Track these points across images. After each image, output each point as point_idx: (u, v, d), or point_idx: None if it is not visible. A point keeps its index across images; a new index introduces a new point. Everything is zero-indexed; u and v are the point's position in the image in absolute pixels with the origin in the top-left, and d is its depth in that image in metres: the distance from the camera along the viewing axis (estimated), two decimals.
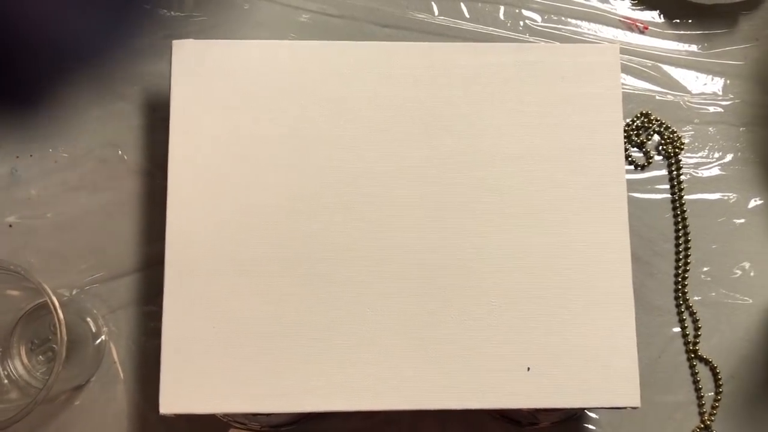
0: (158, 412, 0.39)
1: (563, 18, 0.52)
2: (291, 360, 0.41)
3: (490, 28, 0.51)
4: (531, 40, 0.51)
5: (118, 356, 0.47)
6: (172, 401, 0.40)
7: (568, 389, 0.41)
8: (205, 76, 0.43)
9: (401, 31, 0.51)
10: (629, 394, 0.41)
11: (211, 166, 0.42)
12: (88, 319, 0.46)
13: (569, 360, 0.41)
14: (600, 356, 0.42)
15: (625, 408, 0.41)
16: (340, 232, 0.42)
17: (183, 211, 0.42)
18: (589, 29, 0.52)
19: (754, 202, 0.51)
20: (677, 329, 0.49)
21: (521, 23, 0.52)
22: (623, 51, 0.51)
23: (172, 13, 0.50)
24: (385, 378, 0.41)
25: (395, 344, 0.41)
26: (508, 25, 0.51)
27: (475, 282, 0.42)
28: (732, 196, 0.50)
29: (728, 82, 0.52)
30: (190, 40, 0.43)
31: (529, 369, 0.41)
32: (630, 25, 0.52)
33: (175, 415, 0.40)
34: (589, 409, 0.47)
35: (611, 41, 0.52)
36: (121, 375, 0.47)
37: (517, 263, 0.42)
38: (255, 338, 0.41)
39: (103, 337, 0.47)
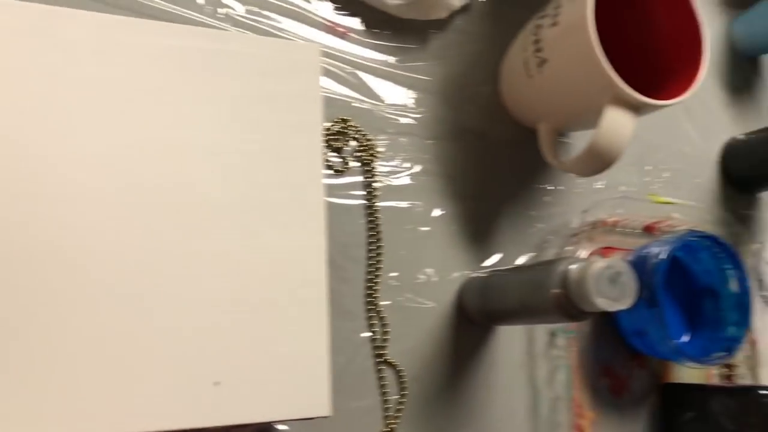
0: None
1: (265, 12, 0.51)
2: None
3: (186, 11, 0.48)
4: (230, 29, 0.49)
5: None
6: None
7: (259, 403, 0.40)
8: None
9: None
10: (320, 404, 0.42)
11: None
12: None
13: (260, 371, 0.40)
14: (292, 365, 0.41)
15: (315, 418, 0.41)
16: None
17: None
18: (290, 27, 0.52)
19: (437, 212, 0.55)
20: (367, 334, 0.51)
21: (221, 11, 0.50)
22: (324, 54, 0.52)
23: None
24: (52, 405, 0.35)
25: (62, 364, 0.36)
26: (207, 11, 0.49)
27: (157, 289, 0.39)
28: (419, 205, 0.54)
29: (419, 95, 0.56)
30: None
31: (216, 384, 0.39)
32: (332, 29, 0.53)
33: None
34: (280, 422, 0.47)
35: (313, 42, 0.52)
36: None
37: (205, 268, 0.40)
38: None
39: None
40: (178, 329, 0.39)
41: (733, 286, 0.60)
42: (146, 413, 0.37)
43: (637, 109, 0.48)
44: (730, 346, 0.59)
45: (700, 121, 0.70)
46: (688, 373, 0.63)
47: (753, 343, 0.65)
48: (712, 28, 0.51)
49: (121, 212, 0.39)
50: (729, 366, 0.64)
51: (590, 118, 0.49)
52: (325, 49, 0.53)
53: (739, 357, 0.64)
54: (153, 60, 0.41)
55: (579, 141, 0.62)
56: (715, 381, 0.64)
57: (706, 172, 0.70)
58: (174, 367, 0.38)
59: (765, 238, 0.71)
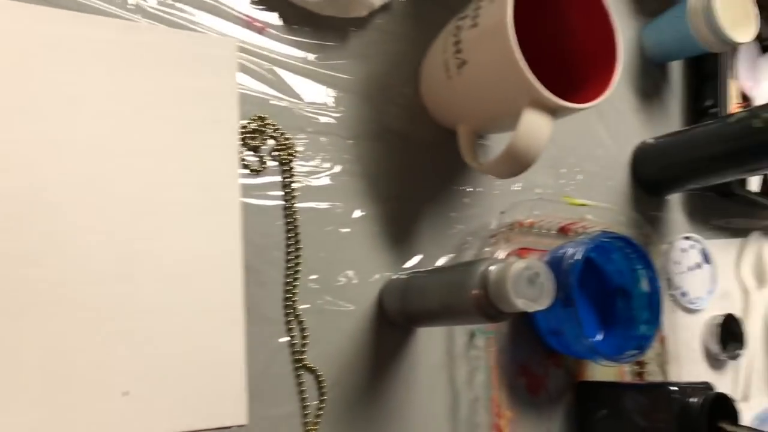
0: None
1: (179, 5, 0.49)
2: None
3: (94, 0, 0.46)
4: (141, 21, 0.47)
5: None
6: None
7: (171, 413, 0.39)
8: None
9: None
10: (236, 412, 0.40)
11: None
12: None
13: (172, 380, 0.39)
14: (207, 373, 0.40)
15: (231, 427, 0.40)
16: None
17: None
18: (205, 21, 0.50)
19: (358, 213, 0.54)
20: (285, 339, 0.50)
21: (131, 2, 0.47)
22: (241, 50, 0.51)
23: None
24: None
25: None
26: (116, 1, 0.47)
27: (63, 294, 0.37)
28: (339, 206, 0.54)
29: (339, 94, 0.55)
30: None
31: (125, 394, 0.37)
32: (249, 24, 0.52)
33: None
34: None
35: (229, 36, 0.51)
36: None
37: (115, 272, 0.38)
38: None
39: None
40: (84, 336, 0.37)
41: (644, 285, 0.63)
42: (48, 424, 0.35)
43: (554, 112, 0.49)
44: (642, 344, 0.61)
45: (612, 125, 0.73)
46: (602, 371, 0.65)
47: (662, 341, 0.67)
48: (623, 34, 0.52)
49: (20, 210, 0.36)
50: (640, 363, 0.67)
51: (509, 120, 0.49)
52: (242, 44, 0.51)
53: (650, 354, 0.66)
54: (59, 51, 0.38)
55: (498, 143, 0.62)
56: (628, 378, 0.66)
57: (618, 175, 0.73)
58: (80, 375, 0.36)
59: (673, 239, 0.74)
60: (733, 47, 0.77)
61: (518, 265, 0.42)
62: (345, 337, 0.52)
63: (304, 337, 0.50)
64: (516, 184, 0.64)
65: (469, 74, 0.52)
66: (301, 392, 0.50)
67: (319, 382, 0.50)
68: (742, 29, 0.70)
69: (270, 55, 0.53)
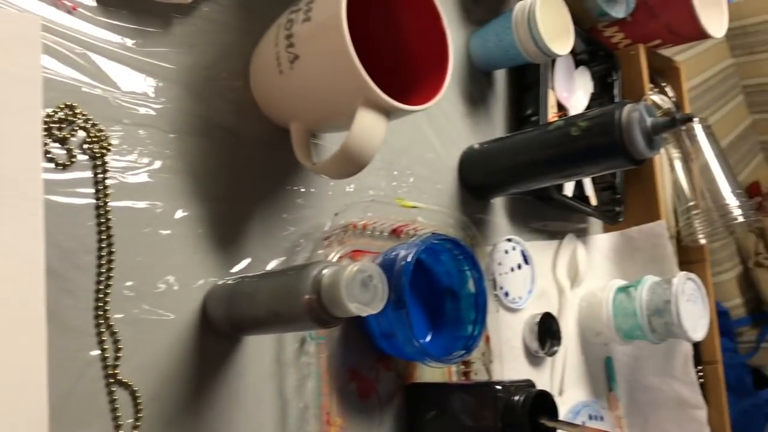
0: None
1: None
2: None
3: None
4: None
5: None
6: None
7: None
8: None
9: None
10: None
11: None
12: None
13: None
14: (2, 395, 0.35)
15: None
16: None
17: None
18: None
19: (180, 213, 0.51)
20: (96, 352, 0.45)
21: None
22: (47, 30, 0.46)
23: None
24: None
25: None
26: None
27: None
28: (159, 206, 0.50)
29: (160, 84, 0.52)
30: None
31: None
32: (56, 2, 0.47)
33: None
34: None
35: (31, 13, 0.45)
36: None
37: None
38: None
39: None
40: None
41: (471, 286, 0.64)
42: None
43: (388, 113, 0.48)
44: (469, 343, 0.62)
45: (441, 129, 0.74)
46: (431, 372, 0.66)
47: (487, 340, 0.69)
48: (452, 41, 0.53)
49: None
50: (466, 363, 0.68)
51: (343, 119, 0.48)
52: (48, 24, 0.46)
53: (476, 354, 0.68)
54: None
55: (332, 143, 0.61)
56: (455, 378, 0.68)
57: (446, 178, 0.74)
58: None
59: (497, 241, 0.77)
60: (552, 59, 0.82)
61: (352, 268, 0.41)
62: (164, 349, 0.48)
63: (117, 350, 0.46)
64: (350, 186, 0.63)
65: (301, 70, 0.50)
66: (114, 410, 0.45)
67: (135, 398, 0.46)
68: (561, 42, 0.75)
69: (82, 38, 0.48)
